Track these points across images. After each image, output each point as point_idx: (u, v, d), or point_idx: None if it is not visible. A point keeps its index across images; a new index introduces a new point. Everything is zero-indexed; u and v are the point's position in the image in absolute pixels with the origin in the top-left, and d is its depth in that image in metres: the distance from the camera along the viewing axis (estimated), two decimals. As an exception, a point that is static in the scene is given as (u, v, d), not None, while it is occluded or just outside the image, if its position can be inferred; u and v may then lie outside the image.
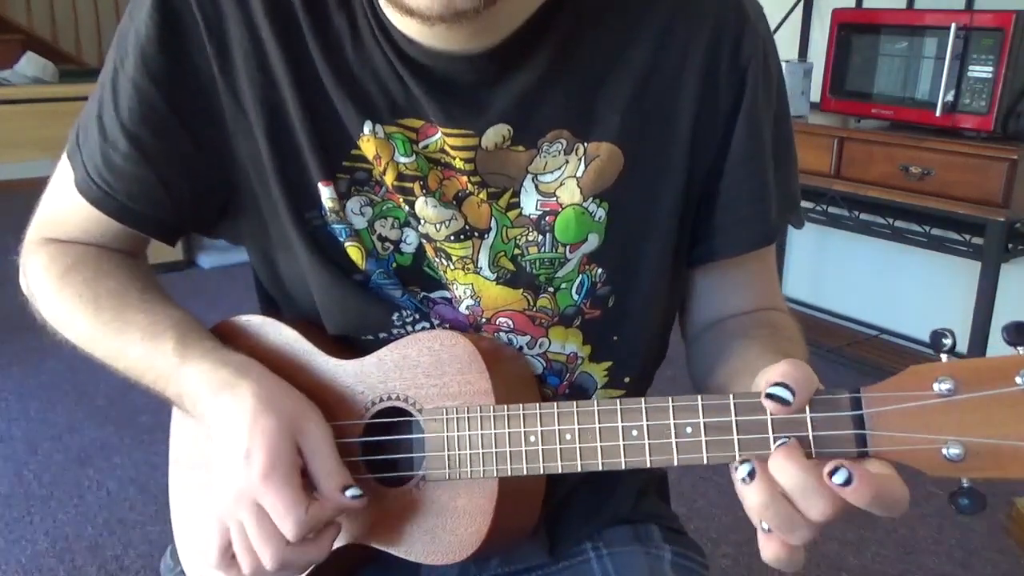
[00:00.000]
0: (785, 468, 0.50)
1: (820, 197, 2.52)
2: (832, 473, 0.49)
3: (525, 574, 0.78)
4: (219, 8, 0.66)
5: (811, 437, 0.52)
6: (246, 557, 0.62)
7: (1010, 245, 2.23)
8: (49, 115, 3.30)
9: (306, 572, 0.68)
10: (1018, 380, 0.48)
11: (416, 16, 0.57)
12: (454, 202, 0.68)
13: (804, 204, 2.56)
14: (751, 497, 0.51)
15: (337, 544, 0.67)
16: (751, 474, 0.51)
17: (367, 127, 0.66)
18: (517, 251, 0.69)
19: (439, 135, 0.66)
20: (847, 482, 0.49)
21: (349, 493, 0.63)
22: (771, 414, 0.53)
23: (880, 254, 2.87)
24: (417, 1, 0.56)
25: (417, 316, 0.71)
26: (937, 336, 0.51)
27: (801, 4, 2.90)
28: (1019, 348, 0.49)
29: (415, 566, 0.76)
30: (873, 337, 2.89)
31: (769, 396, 0.52)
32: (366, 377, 0.68)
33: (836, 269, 3.08)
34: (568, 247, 0.69)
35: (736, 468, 0.52)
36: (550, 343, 0.72)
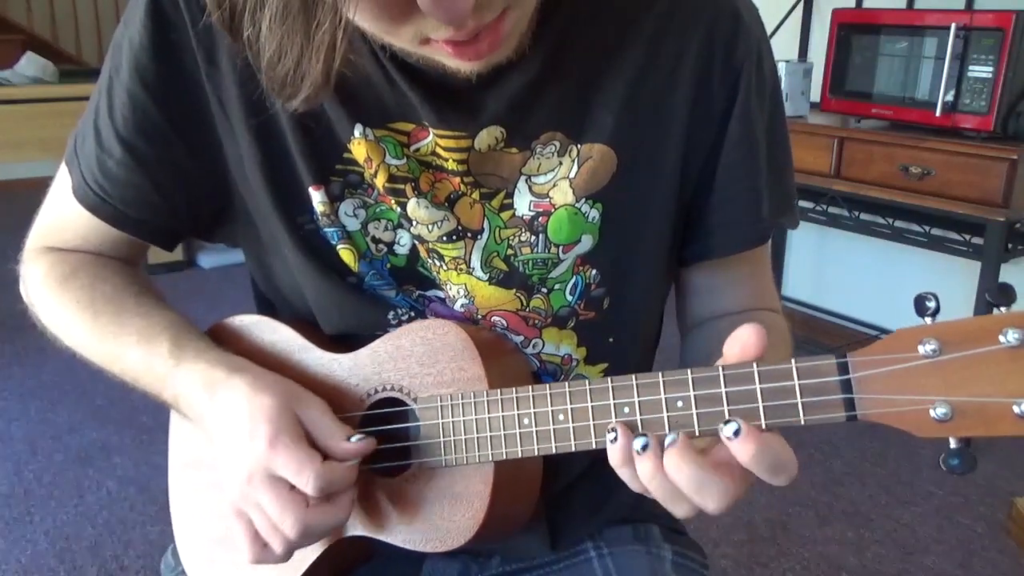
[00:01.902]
0: (680, 467, 0.53)
1: (820, 197, 2.52)
2: (725, 424, 0.52)
3: (526, 572, 0.79)
4: (209, 13, 0.66)
5: (800, 404, 0.52)
6: (274, 536, 0.62)
7: (1010, 245, 2.23)
8: (49, 115, 3.30)
9: (311, 562, 0.68)
10: (1001, 339, 0.48)
11: (455, 73, 0.59)
12: (446, 203, 0.68)
13: (804, 204, 2.57)
14: (642, 467, 0.55)
15: (338, 538, 0.68)
16: (645, 448, 0.54)
17: (357, 130, 0.66)
18: (510, 251, 0.69)
19: (431, 138, 0.66)
20: (736, 433, 0.51)
21: (354, 439, 0.64)
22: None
23: (880, 254, 2.87)
24: (460, 66, 0.57)
25: (413, 314, 0.71)
26: (921, 300, 0.51)
27: (801, 4, 2.90)
28: (1002, 308, 0.49)
29: (416, 562, 0.76)
30: (873, 337, 2.89)
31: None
32: (361, 369, 0.69)
33: (836, 269, 3.08)
34: (561, 247, 0.69)
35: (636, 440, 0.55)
36: (544, 344, 0.72)
